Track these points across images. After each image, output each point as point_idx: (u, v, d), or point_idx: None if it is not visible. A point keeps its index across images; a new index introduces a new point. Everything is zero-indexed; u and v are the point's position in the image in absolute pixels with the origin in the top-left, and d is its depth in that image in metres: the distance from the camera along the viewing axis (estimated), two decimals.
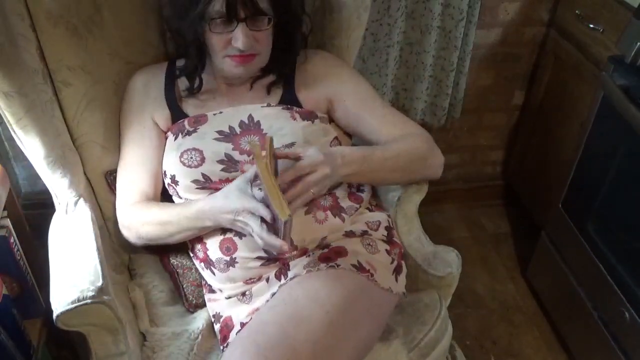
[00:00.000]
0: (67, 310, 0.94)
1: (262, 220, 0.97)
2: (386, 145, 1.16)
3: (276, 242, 0.95)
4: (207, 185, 1.12)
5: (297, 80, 1.21)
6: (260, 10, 1.07)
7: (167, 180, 1.17)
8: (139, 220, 1.15)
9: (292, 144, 1.11)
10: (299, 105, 1.20)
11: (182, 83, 1.21)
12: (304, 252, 1.09)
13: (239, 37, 1.06)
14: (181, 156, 1.13)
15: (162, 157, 1.19)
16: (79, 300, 0.94)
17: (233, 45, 1.08)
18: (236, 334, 1.08)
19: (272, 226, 0.97)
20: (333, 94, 1.21)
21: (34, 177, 1.46)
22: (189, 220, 1.10)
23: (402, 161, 1.15)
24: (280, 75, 1.21)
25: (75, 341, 1.26)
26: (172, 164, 1.15)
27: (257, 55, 1.12)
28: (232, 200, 1.02)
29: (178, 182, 1.14)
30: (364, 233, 1.14)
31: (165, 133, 1.21)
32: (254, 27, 1.07)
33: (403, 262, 1.18)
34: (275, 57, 1.17)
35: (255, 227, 0.98)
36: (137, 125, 1.20)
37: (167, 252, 1.26)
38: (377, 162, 1.12)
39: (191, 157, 1.12)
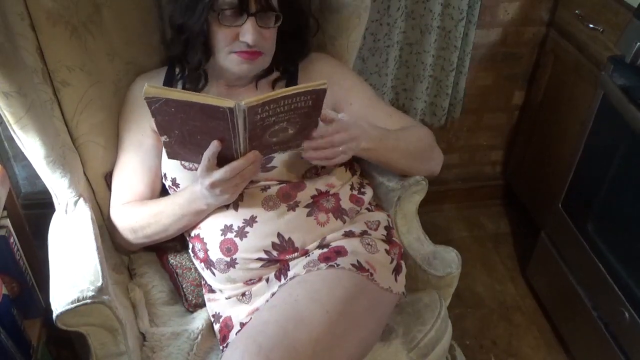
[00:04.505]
0: (67, 310, 0.94)
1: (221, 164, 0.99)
2: (398, 130, 1.19)
3: (239, 163, 0.97)
4: None
5: (301, 80, 1.21)
6: (271, 5, 1.07)
7: (168, 183, 1.17)
8: (133, 217, 1.15)
9: None
10: None
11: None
12: (304, 252, 1.09)
13: (248, 31, 1.06)
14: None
15: (159, 165, 1.19)
16: (78, 300, 0.94)
17: (240, 39, 1.07)
18: (236, 334, 1.08)
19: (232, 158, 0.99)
20: (338, 97, 1.21)
21: (34, 177, 1.46)
22: (182, 206, 1.10)
23: (412, 146, 1.19)
24: (284, 71, 1.21)
25: (75, 341, 1.26)
26: (172, 168, 1.14)
27: (262, 54, 1.11)
28: None
29: (179, 184, 1.14)
30: (364, 233, 1.14)
31: None
32: (262, 24, 1.07)
33: (402, 262, 1.18)
34: (282, 58, 1.17)
35: (217, 175, 0.98)
36: (135, 134, 1.20)
37: (166, 252, 1.26)
38: (392, 143, 1.15)
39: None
